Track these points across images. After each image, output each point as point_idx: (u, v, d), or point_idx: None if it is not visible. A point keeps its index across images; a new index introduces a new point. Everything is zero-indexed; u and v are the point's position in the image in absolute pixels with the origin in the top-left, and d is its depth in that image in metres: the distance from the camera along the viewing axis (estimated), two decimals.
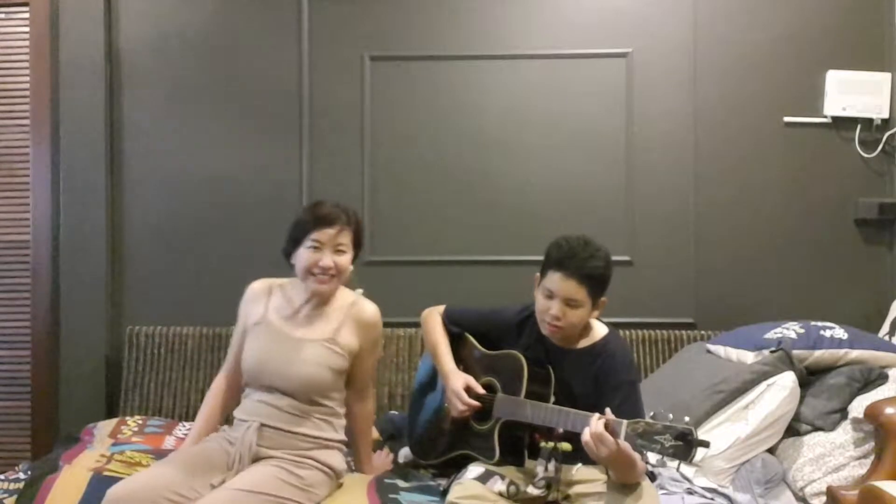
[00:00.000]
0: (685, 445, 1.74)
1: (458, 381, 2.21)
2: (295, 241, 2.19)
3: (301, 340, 2.16)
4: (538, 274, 2.14)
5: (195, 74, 3.22)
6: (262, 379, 2.16)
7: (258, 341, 2.18)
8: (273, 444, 2.10)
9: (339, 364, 2.16)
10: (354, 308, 2.23)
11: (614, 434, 1.83)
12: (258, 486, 1.98)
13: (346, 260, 2.18)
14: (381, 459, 2.43)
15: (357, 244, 2.24)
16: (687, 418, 1.78)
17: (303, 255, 2.16)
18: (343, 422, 2.24)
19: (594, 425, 1.86)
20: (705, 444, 1.78)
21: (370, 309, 2.25)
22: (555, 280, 2.05)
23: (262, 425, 2.11)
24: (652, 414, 1.83)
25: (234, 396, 2.29)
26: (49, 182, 3.19)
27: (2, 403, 3.25)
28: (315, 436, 2.14)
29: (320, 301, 2.21)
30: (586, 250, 2.05)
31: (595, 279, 2.05)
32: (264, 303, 2.24)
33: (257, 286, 2.29)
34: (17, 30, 3.23)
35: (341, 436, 2.22)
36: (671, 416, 1.79)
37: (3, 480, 2.26)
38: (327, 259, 2.14)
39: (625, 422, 1.83)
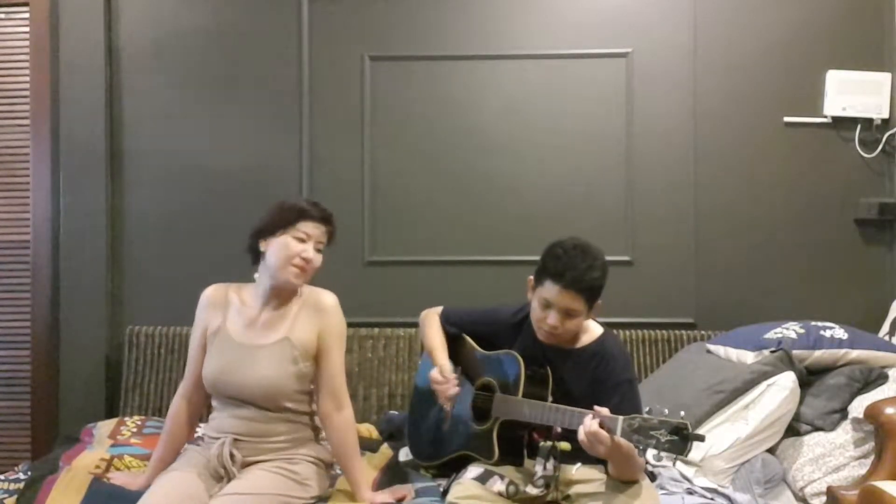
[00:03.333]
0: (680, 440, 1.75)
1: (434, 370, 2.21)
2: (277, 228, 2.12)
3: (258, 347, 2.11)
4: (531, 277, 2.14)
5: (195, 75, 3.22)
6: (223, 390, 2.13)
7: (217, 353, 2.14)
8: (252, 452, 2.09)
9: (297, 363, 2.10)
10: (310, 297, 2.16)
11: (610, 431, 1.84)
12: (257, 488, 1.98)
13: (319, 260, 2.15)
14: (396, 494, 2.17)
15: (327, 245, 2.20)
16: (682, 413, 1.79)
17: (287, 243, 2.09)
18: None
19: (588, 424, 1.86)
20: (700, 439, 1.78)
21: (326, 296, 2.17)
22: (553, 291, 2.03)
23: (236, 439, 2.09)
24: (648, 409, 1.84)
25: (195, 419, 2.24)
26: (49, 182, 3.19)
27: (2, 403, 3.25)
28: (292, 438, 2.13)
29: (279, 302, 2.15)
30: (584, 260, 2.02)
31: (594, 290, 2.05)
32: (222, 311, 2.18)
33: (212, 292, 2.22)
34: (17, 30, 3.23)
35: (319, 428, 2.19)
36: (666, 411, 1.80)
37: (3, 480, 2.26)
38: (310, 252, 2.11)
39: (620, 418, 1.83)
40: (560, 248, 2.06)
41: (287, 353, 2.10)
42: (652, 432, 1.77)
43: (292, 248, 2.09)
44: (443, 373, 2.20)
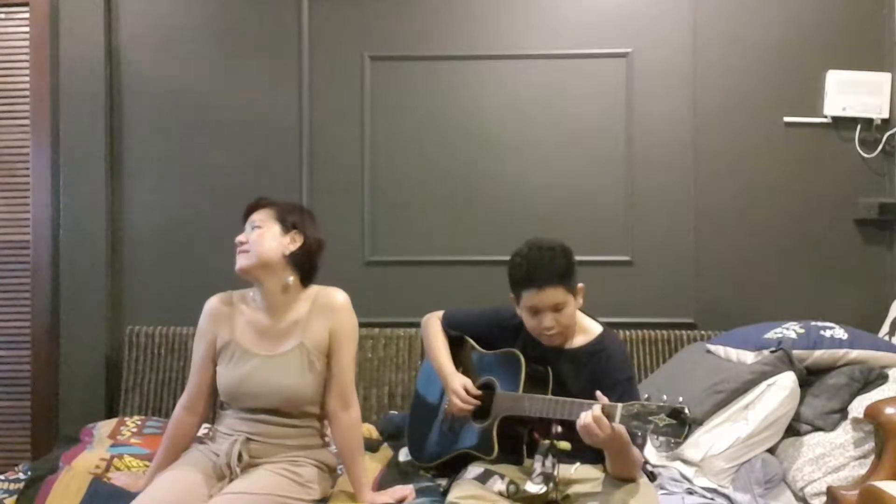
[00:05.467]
0: (678, 424, 1.76)
1: (456, 382, 2.22)
2: None
3: (276, 356, 2.11)
4: (511, 295, 2.15)
5: (195, 74, 3.22)
6: (243, 401, 2.13)
7: (233, 366, 2.13)
8: (261, 453, 2.09)
9: (315, 366, 2.10)
10: (320, 295, 2.16)
11: (609, 417, 1.85)
12: (259, 488, 1.98)
13: (258, 234, 2.12)
14: (396, 494, 2.16)
15: (285, 221, 2.16)
16: (681, 398, 1.79)
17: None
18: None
19: (588, 412, 1.87)
20: (699, 422, 1.78)
21: (336, 294, 2.17)
22: (532, 296, 2.06)
23: (249, 439, 2.09)
24: (646, 396, 1.85)
25: (197, 428, 2.22)
26: (49, 182, 3.19)
27: (2, 403, 3.25)
28: (304, 444, 2.13)
29: (283, 304, 2.14)
30: (544, 255, 2.05)
31: (566, 275, 2.06)
32: (228, 323, 2.17)
33: (217, 304, 2.21)
34: (17, 30, 3.23)
35: (327, 436, 2.20)
36: (665, 397, 1.80)
37: (3, 480, 2.26)
38: (244, 234, 2.14)
39: (619, 405, 1.84)
40: (517, 257, 2.09)
41: (305, 358, 2.10)
42: (650, 417, 1.78)
43: (236, 241, 2.16)
44: (469, 392, 2.20)
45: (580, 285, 2.11)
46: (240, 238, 2.14)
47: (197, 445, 2.18)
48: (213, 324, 2.19)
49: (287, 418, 2.11)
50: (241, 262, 2.12)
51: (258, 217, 2.16)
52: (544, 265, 2.04)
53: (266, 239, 2.12)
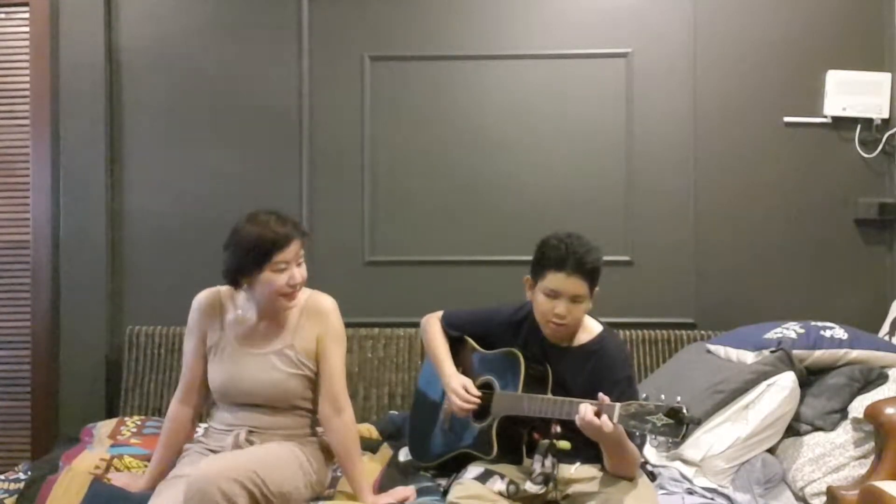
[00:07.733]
0: (676, 423, 1.76)
1: (455, 382, 2.22)
2: (253, 269, 2.06)
3: (264, 354, 2.13)
4: (527, 277, 2.16)
5: (195, 74, 3.22)
6: (234, 397, 2.15)
7: (222, 362, 2.15)
8: (263, 441, 2.11)
9: (302, 366, 2.13)
10: (309, 301, 2.18)
11: (608, 417, 1.85)
12: (261, 454, 2.01)
13: (305, 269, 2.15)
14: (398, 495, 2.17)
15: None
16: (678, 398, 1.79)
17: (271, 280, 2.06)
18: None
19: (584, 410, 1.88)
20: (696, 422, 1.79)
21: (324, 299, 2.20)
22: (558, 280, 2.06)
23: (250, 431, 2.11)
24: (644, 396, 1.86)
25: (194, 421, 2.24)
26: (49, 182, 3.19)
27: (2, 403, 3.25)
28: (295, 434, 2.15)
29: (273, 309, 2.15)
30: (582, 245, 2.07)
31: (595, 272, 2.09)
32: (219, 320, 2.19)
33: (206, 300, 2.21)
34: (17, 30, 3.23)
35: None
36: (663, 396, 1.81)
37: (3, 480, 2.26)
38: (297, 275, 2.10)
39: (617, 404, 1.85)
40: (555, 239, 2.10)
41: (292, 357, 2.13)
42: (648, 417, 1.79)
43: (277, 282, 2.07)
44: (470, 391, 2.19)
45: (597, 289, 2.12)
46: (295, 280, 2.08)
47: (193, 447, 2.19)
48: (203, 320, 2.20)
49: (276, 411, 2.13)
50: (295, 302, 2.13)
51: (300, 251, 2.12)
52: (581, 254, 2.06)
53: (306, 274, 2.15)
